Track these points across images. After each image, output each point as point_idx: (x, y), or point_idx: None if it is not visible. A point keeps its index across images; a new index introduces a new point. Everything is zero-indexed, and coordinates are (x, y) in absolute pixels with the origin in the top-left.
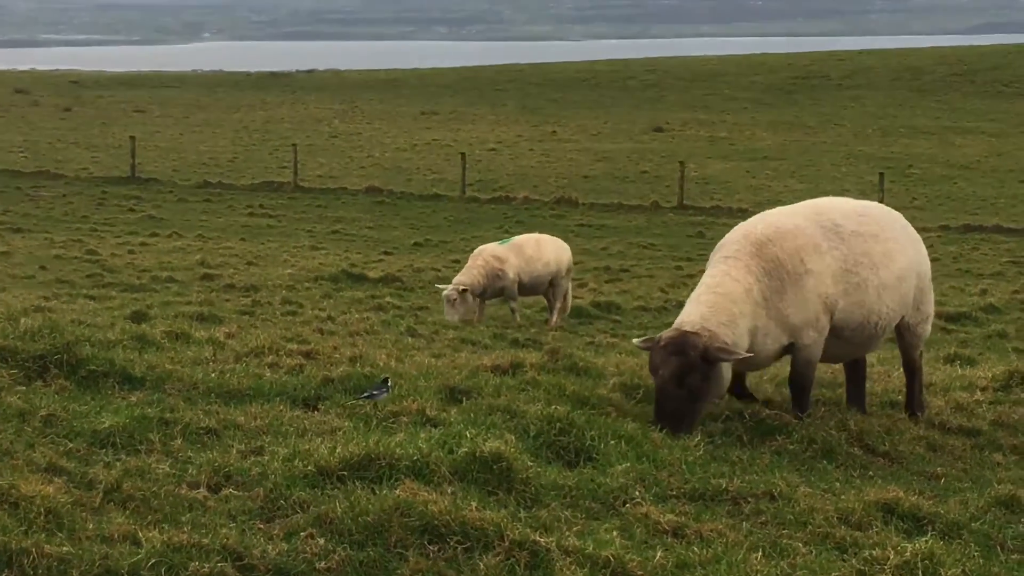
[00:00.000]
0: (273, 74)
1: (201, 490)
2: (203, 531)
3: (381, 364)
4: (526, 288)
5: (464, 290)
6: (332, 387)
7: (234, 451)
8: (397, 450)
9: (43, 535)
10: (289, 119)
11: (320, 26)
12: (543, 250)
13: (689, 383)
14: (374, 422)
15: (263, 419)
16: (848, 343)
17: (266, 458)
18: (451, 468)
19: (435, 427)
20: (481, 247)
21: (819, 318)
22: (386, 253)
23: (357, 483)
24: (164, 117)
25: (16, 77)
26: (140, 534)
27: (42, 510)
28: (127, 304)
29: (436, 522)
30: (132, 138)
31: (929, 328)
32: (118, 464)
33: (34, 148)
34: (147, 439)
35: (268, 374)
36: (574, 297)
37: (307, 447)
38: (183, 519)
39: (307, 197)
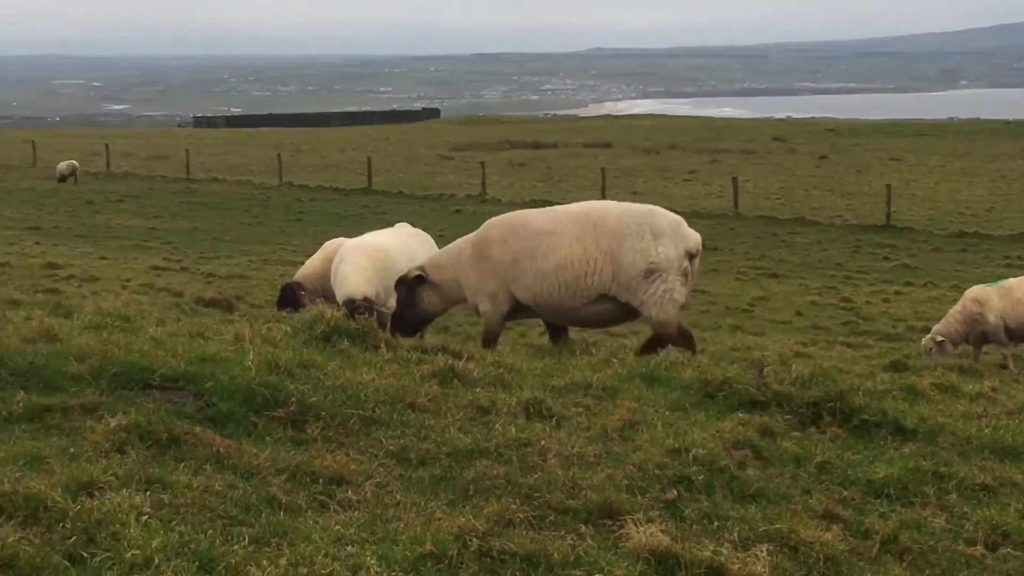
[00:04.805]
0: None
1: (978, 547)
2: None
3: None
4: (1015, 334)
5: (941, 340)
6: None
7: (1011, 509)
8: None
9: None
10: None
11: None
12: None
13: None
14: None
15: None
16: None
17: None
18: None
19: None
20: (974, 287)
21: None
22: None
23: None
24: (919, 165)
25: (773, 125)
26: None
27: (820, 556)
28: (884, 353)
29: None
30: (888, 186)
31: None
32: (893, 515)
33: (789, 195)
34: (921, 492)
35: None
36: None
37: None
38: (961, 575)
39: None
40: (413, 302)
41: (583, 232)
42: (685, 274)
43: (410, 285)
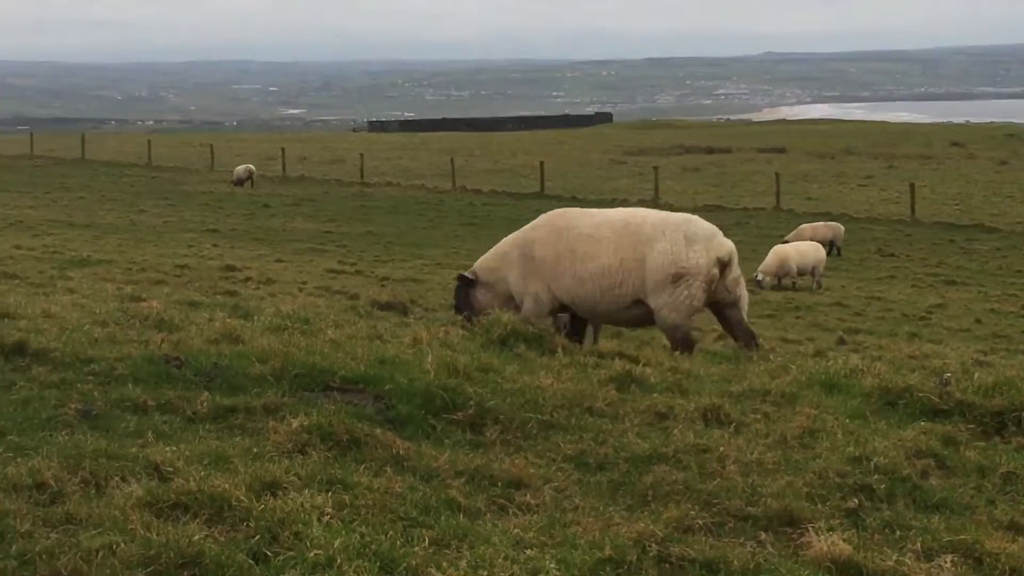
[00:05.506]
0: None
1: None
2: None
3: None
4: None
5: None
6: None
7: None
8: None
9: None
10: None
11: None
12: None
13: None
14: None
15: None
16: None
17: None
18: None
19: None
20: None
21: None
22: None
23: None
24: None
25: (952, 130)
26: None
27: (1007, 568)
28: None
29: None
30: None
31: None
32: None
33: (968, 201)
34: None
35: None
36: None
37: None
38: None
39: None
40: (469, 302)
41: (620, 241)
42: (711, 282)
43: (464, 287)
